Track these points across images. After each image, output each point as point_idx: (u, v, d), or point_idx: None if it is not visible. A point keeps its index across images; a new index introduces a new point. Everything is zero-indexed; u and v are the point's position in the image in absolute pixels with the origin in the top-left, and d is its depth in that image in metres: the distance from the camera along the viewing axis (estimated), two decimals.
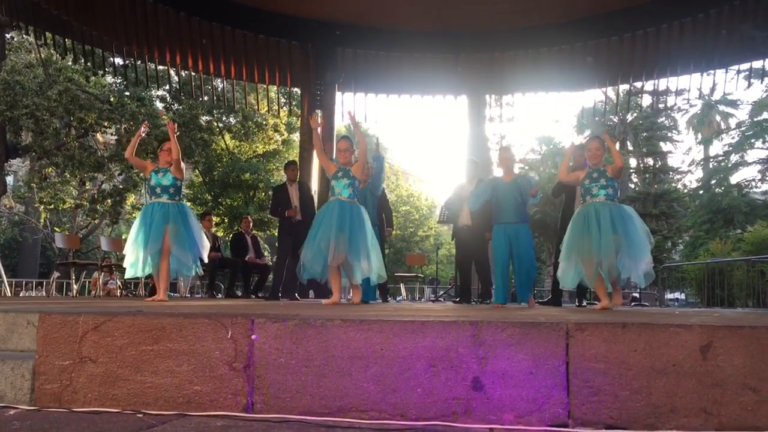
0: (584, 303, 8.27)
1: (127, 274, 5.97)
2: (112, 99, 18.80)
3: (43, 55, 16.59)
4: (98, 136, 21.13)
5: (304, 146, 12.67)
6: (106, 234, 25.42)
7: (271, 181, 20.60)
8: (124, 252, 5.96)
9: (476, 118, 13.33)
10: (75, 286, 9.74)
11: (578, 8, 11.01)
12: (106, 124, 19.03)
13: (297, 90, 14.19)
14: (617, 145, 34.48)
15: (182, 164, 6.05)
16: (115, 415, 2.35)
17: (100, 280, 11.27)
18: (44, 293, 18.12)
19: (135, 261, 5.76)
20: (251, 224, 11.05)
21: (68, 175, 19.86)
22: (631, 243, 5.18)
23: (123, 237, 24.78)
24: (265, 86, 13.12)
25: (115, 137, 20.04)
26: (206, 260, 6.25)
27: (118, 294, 13.06)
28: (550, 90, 12.80)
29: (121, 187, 19.98)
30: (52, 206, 21.31)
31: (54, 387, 2.47)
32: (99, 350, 2.48)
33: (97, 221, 23.94)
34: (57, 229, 25.04)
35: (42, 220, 25.16)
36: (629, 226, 5.23)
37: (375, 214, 7.06)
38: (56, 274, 11.58)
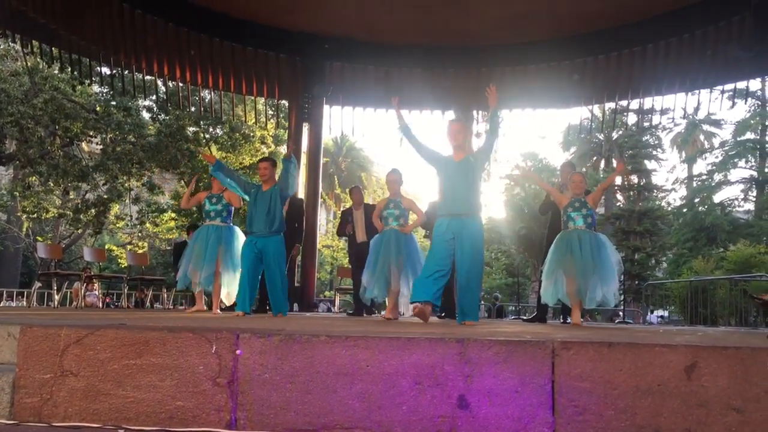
0: (569, 320, 8.28)
1: (179, 286, 7.12)
2: (98, 108, 18.73)
3: (29, 64, 16.49)
4: (83, 145, 21.03)
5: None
6: (89, 244, 25.23)
7: None
8: (178, 265, 7.04)
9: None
10: (56, 297, 9.63)
11: (566, 27, 11.11)
12: (91, 133, 18.94)
13: (285, 102, 14.17)
14: (602, 163, 34.83)
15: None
16: (96, 430, 2.32)
17: (81, 290, 11.14)
18: (25, 303, 17.91)
19: (184, 275, 6.74)
20: None
21: (52, 184, 19.71)
22: (603, 268, 5.79)
23: (106, 247, 24.63)
24: (252, 98, 13.11)
25: (101, 147, 19.94)
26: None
27: (100, 305, 12.94)
28: (537, 106, 12.87)
29: (105, 197, 19.85)
30: (35, 215, 21.12)
31: (34, 401, 2.43)
32: (81, 364, 2.45)
33: (80, 231, 23.76)
34: (39, 239, 24.81)
35: (24, 229, 24.93)
36: (602, 254, 5.85)
37: (282, 221, 6.41)
38: (38, 284, 11.44)
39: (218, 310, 6.83)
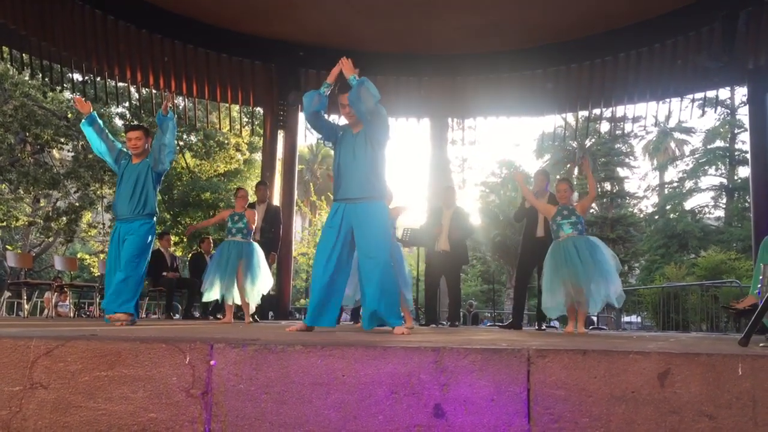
0: (543, 327, 8.35)
1: (204, 298, 7.42)
2: (69, 115, 18.51)
3: None
4: (54, 152, 20.76)
5: (266, 166, 12.61)
6: (60, 253, 24.87)
7: (232, 200, 20.43)
8: (202, 277, 7.56)
9: (438, 141, 13.42)
10: (26, 307, 9.46)
11: (539, 36, 11.22)
12: (62, 140, 18.72)
13: (259, 109, 14.12)
14: (576, 170, 35.16)
15: (255, 215, 7.57)
16: None
17: (53, 300, 10.96)
18: None
19: (210, 288, 7.13)
20: (212, 245, 10.92)
21: (22, 192, 19.44)
22: (602, 270, 5.76)
23: (78, 255, 24.28)
24: (227, 105, 13.03)
25: (72, 154, 19.69)
26: (266, 292, 7.52)
27: (72, 315, 12.74)
28: (511, 114, 12.96)
29: (77, 204, 19.62)
30: (5, 223, 20.78)
31: (3, 414, 2.38)
32: (51, 376, 2.41)
33: (51, 239, 23.42)
34: (9, 247, 24.37)
35: None
36: (598, 256, 5.82)
37: (154, 203, 5.37)
38: (7, 294, 11.24)
39: (251, 320, 7.38)
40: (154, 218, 5.40)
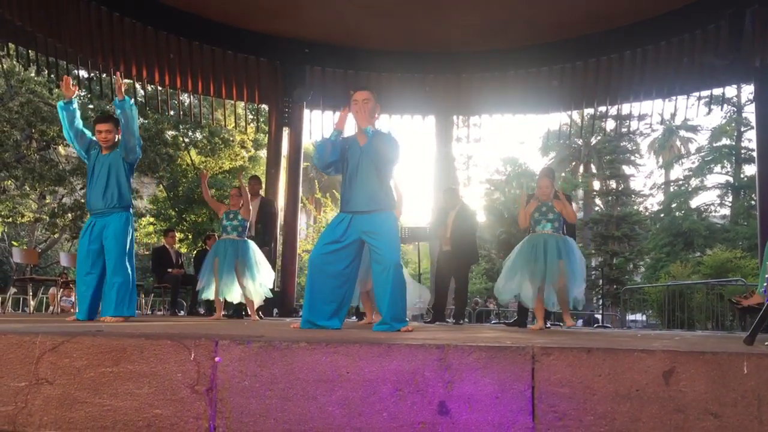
0: (548, 324, 8.33)
1: (202, 296, 7.52)
2: None
3: (5, 66, 16.28)
4: (60, 149, 20.80)
5: (271, 163, 12.61)
6: (65, 249, 24.94)
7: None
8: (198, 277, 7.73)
9: (444, 138, 13.41)
10: (32, 303, 9.48)
11: (544, 33, 11.20)
12: None
13: (265, 106, 14.12)
14: (581, 168, 35.12)
15: (250, 207, 7.41)
16: None
17: (58, 296, 11.00)
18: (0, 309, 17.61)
19: (206, 286, 7.25)
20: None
21: (28, 188, 19.49)
22: (571, 271, 5.90)
23: None
24: (232, 102, 13.02)
25: None
26: (271, 285, 7.53)
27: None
28: (516, 112, 12.94)
29: (82, 201, 19.62)
30: (11, 220, 20.84)
31: (8, 409, 2.39)
32: (56, 372, 2.42)
33: (56, 236, 23.50)
34: (15, 243, 24.46)
35: None
36: (571, 257, 5.94)
37: (128, 194, 5.18)
38: (13, 290, 11.27)
39: (256, 317, 7.43)
40: (131, 209, 5.22)
